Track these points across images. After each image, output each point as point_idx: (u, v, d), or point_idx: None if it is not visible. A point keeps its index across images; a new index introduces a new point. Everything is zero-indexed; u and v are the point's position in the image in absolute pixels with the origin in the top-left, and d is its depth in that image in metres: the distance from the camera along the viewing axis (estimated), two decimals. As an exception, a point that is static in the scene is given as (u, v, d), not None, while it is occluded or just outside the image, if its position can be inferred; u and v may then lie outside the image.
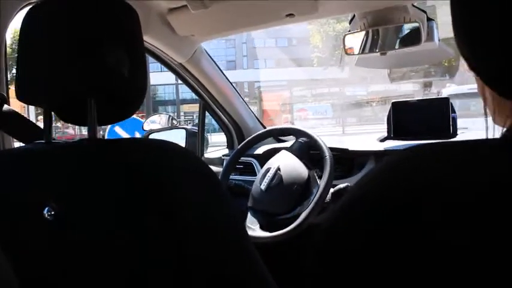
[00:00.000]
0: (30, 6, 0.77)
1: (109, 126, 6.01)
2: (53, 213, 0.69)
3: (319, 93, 20.42)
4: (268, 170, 1.65)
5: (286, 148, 1.71)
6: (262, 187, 1.64)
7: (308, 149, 1.66)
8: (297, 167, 1.62)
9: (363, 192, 0.42)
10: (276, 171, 1.63)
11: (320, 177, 1.60)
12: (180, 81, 2.03)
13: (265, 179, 1.64)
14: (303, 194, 1.58)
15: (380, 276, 0.36)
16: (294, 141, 1.75)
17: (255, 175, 1.80)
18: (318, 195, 1.51)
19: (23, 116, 1.02)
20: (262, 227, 1.60)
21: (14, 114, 1.02)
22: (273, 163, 1.68)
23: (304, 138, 1.68)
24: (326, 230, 0.43)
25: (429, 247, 0.35)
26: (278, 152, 1.77)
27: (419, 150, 0.42)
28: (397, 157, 0.42)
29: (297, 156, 1.65)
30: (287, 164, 1.64)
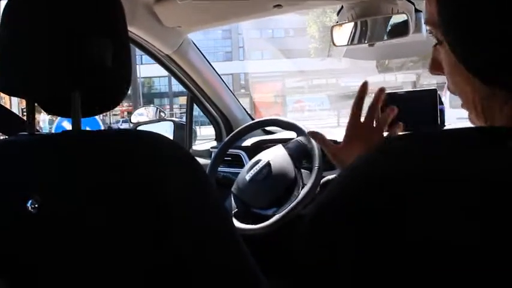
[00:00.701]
0: None
1: (57, 120, 5.95)
2: (36, 205, 0.68)
3: (317, 85, 20.33)
4: (257, 162, 1.65)
5: (283, 144, 1.69)
6: (247, 177, 1.64)
7: (304, 152, 1.63)
8: (287, 167, 1.61)
9: (343, 185, 0.42)
10: (265, 165, 1.62)
11: (308, 169, 1.60)
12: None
13: (252, 170, 1.64)
14: (284, 196, 1.58)
15: (365, 266, 0.36)
16: (291, 139, 1.74)
17: (244, 167, 1.79)
18: (307, 188, 1.51)
19: (5, 107, 1.01)
20: (236, 216, 1.61)
21: None
22: (264, 156, 1.67)
23: (302, 139, 1.65)
24: (311, 221, 0.42)
25: (412, 238, 0.34)
26: (267, 144, 1.76)
27: (398, 141, 0.42)
28: (378, 148, 0.42)
29: (290, 156, 1.63)
30: (278, 161, 1.63)
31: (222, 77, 2.12)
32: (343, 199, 0.40)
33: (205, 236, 0.68)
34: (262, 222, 1.55)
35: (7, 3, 0.74)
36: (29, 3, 0.72)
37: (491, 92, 0.41)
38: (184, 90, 2.10)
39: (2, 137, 0.94)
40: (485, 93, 0.42)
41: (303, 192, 1.51)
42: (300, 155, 1.63)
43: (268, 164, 1.62)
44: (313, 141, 1.62)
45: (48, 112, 0.84)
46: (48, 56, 0.69)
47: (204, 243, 0.68)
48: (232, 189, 1.70)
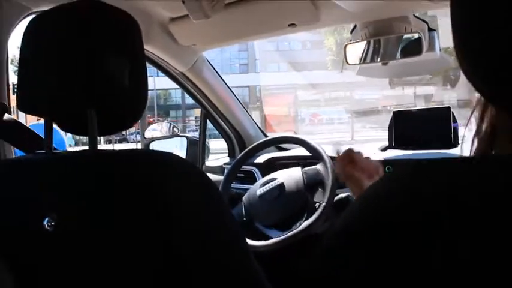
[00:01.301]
0: (33, 16, 0.77)
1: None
2: (53, 224, 0.68)
3: (334, 97, 19.97)
4: (271, 181, 1.65)
5: (301, 168, 1.67)
6: (258, 192, 1.64)
7: (320, 181, 1.60)
8: (299, 194, 1.60)
9: (361, 209, 0.42)
10: (278, 186, 1.62)
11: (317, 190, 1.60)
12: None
13: (264, 187, 1.64)
14: (288, 221, 1.58)
15: None
16: (305, 157, 1.73)
17: (257, 181, 1.79)
18: (321, 207, 1.51)
19: (23, 125, 1.02)
20: (242, 225, 1.61)
21: (14, 123, 1.02)
22: (279, 176, 1.66)
23: (321, 167, 1.62)
24: (328, 244, 0.42)
25: (432, 263, 0.34)
26: (280, 161, 1.76)
27: (420, 166, 0.41)
28: (398, 171, 0.42)
29: (306, 184, 1.62)
30: (292, 185, 1.62)
31: (238, 89, 2.14)
32: (360, 224, 0.40)
33: (218, 254, 0.69)
34: (261, 239, 1.55)
35: (28, 24, 0.76)
36: (49, 24, 0.74)
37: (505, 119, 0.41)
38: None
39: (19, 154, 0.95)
40: (502, 119, 0.42)
41: (316, 213, 1.51)
42: (316, 183, 1.61)
43: (281, 186, 1.62)
44: (315, 145, 1.62)
45: (65, 130, 0.85)
46: (66, 75, 0.70)
47: (216, 261, 0.68)
48: (243, 198, 1.71)
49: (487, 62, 0.37)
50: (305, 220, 1.52)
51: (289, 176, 1.65)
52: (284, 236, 1.51)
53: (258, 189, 1.66)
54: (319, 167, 1.62)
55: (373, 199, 0.41)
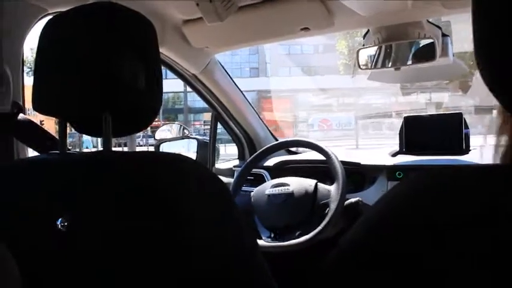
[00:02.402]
0: (49, 18, 0.78)
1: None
2: (66, 224, 0.69)
3: (346, 103, 19.17)
4: (283, 185, 1.65)
5: (316, 183, 1.65)
6: (266, 192, 1.66)
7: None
8: (305, 209, 1.60)
9: (379, 216, 0.41)
10: (288, 194, 1.62)
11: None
12: (189, 89, 2.04)
13: (274, 188, 1.65)
14: (285, 231, 1.59)
15: None
16: (317, 160, 1.73)
17: (269, 181, 1.79)
18: (332, 211, 1.51)
19: (38, 125, 1.03)
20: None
21: (29, 123, 1.03)
22: (292, 183, 1.66)
23: (333, 189, 1.61)
24: (336, 260, 0.42)
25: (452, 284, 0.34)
26: (290, 164, 1.76)
27: (436, 176, 0.41)
28: (413, 182, 0.42)
29: (316, 203, 1.61)
30: (301, 197, 1.62)
31: (247, 93, 2.14)
32: (369, 240, 0.40)
33: (227, 253, 0.69)
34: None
35: (44, 25, 0.77)
36: (65, 26, 0.75)
37: None
38: (206, 106, 2.12)
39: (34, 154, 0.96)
40: None
41: (327, 216, 1.51)
42: (324, 205, 1.60)
43: (291, 194, 1.62)
44: (328, 151, 1.62)
45: (80, 132, 0.86)
46: (81, 77, 0.71)
47: (226, 261, 0.68)
48: (252, 193, 1.73)
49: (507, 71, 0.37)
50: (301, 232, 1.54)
51: (301, 187, 1.64)
52: (294, 242, 1.52)
53: (268, 188, 1.66)
54: (333, 189, 1.60)
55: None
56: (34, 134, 1.02)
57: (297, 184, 1.65)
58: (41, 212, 0.72)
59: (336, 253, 0.42)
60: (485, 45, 0.38)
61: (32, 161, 0.85)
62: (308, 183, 1.65)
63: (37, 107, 0.78)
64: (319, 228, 1.50)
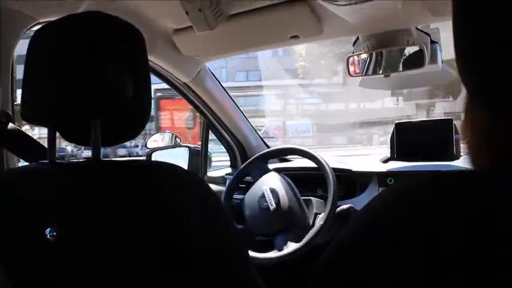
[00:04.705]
0: (38, 27, 0.78)
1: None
2: (54, 234, 0.68)
3: (305, 110, 17.05)
4: (273, 192, 1.66)
5: (310, 187, 1.71)
6: (257, 200, 1.67)
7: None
8: (297, 211, 1.63)
9: (365, 219, 0.42)
10: (280, 199, 1.64)
11: (322, 198, 1.61)
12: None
13: (265, 196, 1.66)
14: (280, 235, 1.60)
15: None
16: (309, 168, 1.76)
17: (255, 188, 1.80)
18: (324, 218, 1.52)
19: (27, 134, 1.03)
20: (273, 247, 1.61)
21: (18, 133, 1.02)
22: (282, 190, 1.68)
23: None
24: (328, 258, 0.42)
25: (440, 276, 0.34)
26: (282, 172, 1.77)
27: (425, 180, 0.41)
28: (402, 185, 0.42)
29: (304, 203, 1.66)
30: (293, 202, 1.64)
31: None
32: (365, 236, 0.40)
33: (218, 261, 0.69)
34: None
35: (34, 34, 0.77)
36: (54, 34, 0.75)
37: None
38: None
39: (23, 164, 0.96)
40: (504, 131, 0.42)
41: (318, 223, 1.52)
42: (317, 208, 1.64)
43: (282, 201, 1.63)
44: (318, 157, 1.63)
45: (68, 140, 0.85)
46: (70, 86, 0.71)
47: (217, 268, 0.68)
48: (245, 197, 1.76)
49: (489, 75, 0.37)
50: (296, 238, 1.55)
51: (292, 194, 1.66)
52: (286, 251, 1.52)
53: (258, 195, 1.69)
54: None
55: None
56: (23, 143, 1.01)
57: (288, 191, 1.65)
58: (30, 221, 0.72)
59: (316, 269, 0.42)
60: (465, 49, 0.39)
61: (21, 171, 0.85)
62: (293, 186, 1.67)
63: (25, 116, 0.78)
64: (310, 235, 1.50)
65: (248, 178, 1.93)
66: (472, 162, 0.45)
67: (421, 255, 0.35)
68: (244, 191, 1.96)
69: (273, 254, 1.55)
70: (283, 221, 1.60)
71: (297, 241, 1.53)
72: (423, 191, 0.39)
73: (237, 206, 1.84)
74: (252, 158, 1.87)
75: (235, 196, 1.87)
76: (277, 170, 1.88)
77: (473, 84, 0.39)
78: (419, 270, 0.35)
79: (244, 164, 1.88)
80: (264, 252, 1.58)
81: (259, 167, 1.82)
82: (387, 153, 1.90)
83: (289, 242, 1.54)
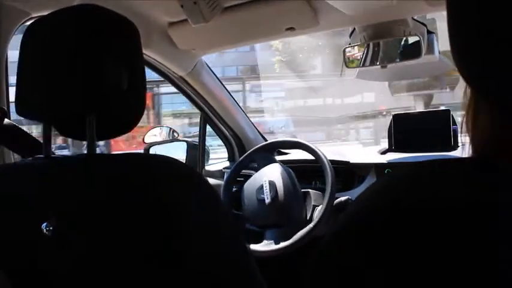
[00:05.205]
0: (32, 21, 0.77)
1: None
2: (51, 228, 0.68)
3: (285, 106, 17.04)
4: (271, 184, 1.65)
5: (308, 180, 1.72)
6: (256, 191, 1.68)
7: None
8: (296, 203, 1.64)
9: (360, 209, 0.42)
10: (277, 191, 1.64)
11: (320, 190, 1.60)
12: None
13: (263, 188, 1.66)
14: (278, 227, 1.61)
15: None
16: (305, 160, 1.76)
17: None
18: (322, 210, 1.52)
19: (23, 130, 1.02)
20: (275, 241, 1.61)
21: (14, 128, 1.02)
22: (280, 182, 1.67)
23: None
24: (333, 235, 0.42)
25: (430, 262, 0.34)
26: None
27: (419, 168, 0.41)
28: (396, 175, 0.42)
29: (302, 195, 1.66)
30: (291, 194, 1.64)
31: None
32: (354, 226, 0.40)
33: (217, 256, 0.69)
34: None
35: (27, 29, 0.76)
36: (48, 29, 0.74)
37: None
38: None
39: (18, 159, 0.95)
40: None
41: (325, 200, 1.53)
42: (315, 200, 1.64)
43: (280, 193, 1.63)
44: (316, 150, 1.63)
45: (63, 134, 0.85)
46: (65, 80, 0.70)
47: (219, 265, 0.68)
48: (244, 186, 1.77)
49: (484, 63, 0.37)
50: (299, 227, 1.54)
51: (290, 186, 1.66)
52: (287, 243, 1.52)
53: (256, 187, 1.69)
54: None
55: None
56: (19, 139, 1.01)
57: (287, 185, 1.65)
58: (26, 216, 0.72)
59: (311, 261, 0.42)
60: (460, 39, 0.39)
61: (17, 166, 0.84)
62: (294, 180, 1.67)
63: (20, 111, 0.77)
64: (309, 228, 1.50)
65: (246, 171, 1.93)
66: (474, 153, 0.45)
67: (413, 245, 0.35)
68: (242, 184, 1.97)
69: (269, 246, 1.55)
70: (276, 215, 1.61)
71: (287, 238, 1.54)
72: (417, 180, 0.39)
73: (236, 192, 1.83)
74: (249, 151, 1.87)
75: (233, 189, 1.87)
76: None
77: (475, 80, 0.39)
78: (413, 260, 0.35)
79: (242, 157, 1.88)
80: (254, 243, 1.59)
81: (266, 156, 1.82)
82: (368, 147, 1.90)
83: (287, 234, 1.54)
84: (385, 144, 1.90)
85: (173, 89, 1.98)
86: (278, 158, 2.03)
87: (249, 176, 1.95)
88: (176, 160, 0.75)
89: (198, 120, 2.22)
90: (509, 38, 0.33)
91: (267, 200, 1.61)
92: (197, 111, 2.13)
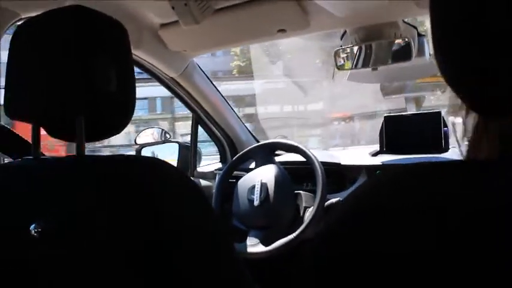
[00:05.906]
0: (21, 22, 0.77)
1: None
2: (39, 230, 0.68)
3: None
4: (262, 185, 1.65)
5: (299, 181, 1.71)
6: (246, 193, 1.68)
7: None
8: (286, 205, 1.64)
9: (346, 210, 0.42)
10: (268, 193, 1.64)
11: (311, 191, 1.61)
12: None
13: (254, 188, 1.66)
14: (269, 229, 1.61)
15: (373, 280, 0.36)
16: (297, 162, 1.76)
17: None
18: (312, 212, 1.52)
19: (12, 131, 1.02)
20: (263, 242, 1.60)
21: (3, 129, 1.01)
22: (271, 183, 1.67)
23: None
24: (321, 236, 0.42)
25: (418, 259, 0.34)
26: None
27: (410, 168, 0.42)
28: (382, 177, 0.42)
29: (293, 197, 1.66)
30: (282, 196, 1.65)
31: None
32: (339, 229, 0.40)
33: (204, 255, 0.69)
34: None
35: (16, 29, 0.76)
36: (37, 30, 0.74)
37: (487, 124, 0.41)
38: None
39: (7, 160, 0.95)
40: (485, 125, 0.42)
41: (316, 201, 1.53)
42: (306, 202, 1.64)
43: (271, 195, 1.63)
44: (307, 151, 1.63)
45: (53, 136, 0.84)
46: (54, 81, 0.70)
47: (202, 265, 0.68)
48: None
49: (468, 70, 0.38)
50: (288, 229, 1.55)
51: (281, 187, 1.66)
52: (274, 246, 1.52)
53: (248, 188, 1.69)
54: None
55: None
56: (7, 140, 1.00)
57: (280, 188, 1.65)
58: (14, 218, 0.71)
59: (301, 262, 0.43)
60: (446, 50, 0.39)
61: (5, 167, 0.84)
62: (288, 183, 1.66)
63: (9, 112, 0.77)
64: (300, 230, 1.50)
65: (238, 173, 1.92)
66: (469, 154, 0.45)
67: (398, 247, 0.35)
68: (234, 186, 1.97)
69: (260, 248, 1.55)
70: (263, 217, 1.61)
71: (271, 240, 1.54)
72: (401, 183, 0.40)
73: (230, 187, 1.83)
74: (241, 153, 1.87)
75: (234, 174, 1.88)
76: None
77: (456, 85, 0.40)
78: (398, 262, 0.35)
79: (233, 159, 1.88)
80: (238, 242, 1.59)
81: (265, 155, 1.81)
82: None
83: (278, 236, 1.54)
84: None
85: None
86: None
87: (240, 178, 1.95)
88: (164, 161, 0.75)
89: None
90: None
91: (256, 202, 1.61)
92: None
